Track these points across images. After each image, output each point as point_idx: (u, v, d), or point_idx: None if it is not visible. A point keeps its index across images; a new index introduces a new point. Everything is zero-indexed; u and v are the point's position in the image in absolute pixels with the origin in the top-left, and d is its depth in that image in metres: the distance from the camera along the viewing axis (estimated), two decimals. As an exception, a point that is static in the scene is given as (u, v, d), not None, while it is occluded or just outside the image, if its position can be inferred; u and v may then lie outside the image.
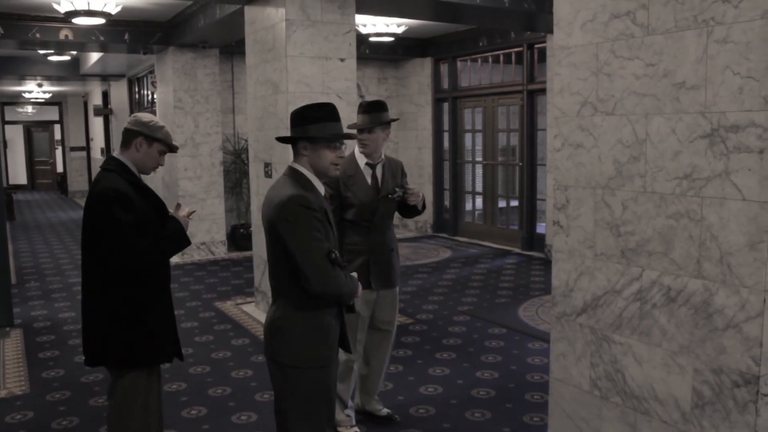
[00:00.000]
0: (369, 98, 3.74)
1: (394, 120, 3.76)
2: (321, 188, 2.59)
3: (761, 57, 2.07)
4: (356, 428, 3.71)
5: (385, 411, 3.91)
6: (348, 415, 3.70)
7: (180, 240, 2.89)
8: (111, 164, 2.86)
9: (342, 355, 3.64)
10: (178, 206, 3.01)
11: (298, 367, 2.53)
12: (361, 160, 3.64)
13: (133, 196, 2.77)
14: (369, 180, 3.63)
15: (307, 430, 2.58)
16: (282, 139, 2.66)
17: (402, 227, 11.06)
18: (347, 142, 2.72)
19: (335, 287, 2.47)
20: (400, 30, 8.14)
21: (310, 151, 2.55)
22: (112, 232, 2.70)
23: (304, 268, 2.42)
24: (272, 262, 2.57)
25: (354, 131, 3.52)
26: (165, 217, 2.93)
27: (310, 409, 2.57)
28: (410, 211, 3.73)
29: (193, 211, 3.06)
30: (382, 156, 3.71)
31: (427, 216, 10.92)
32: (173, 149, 2.94)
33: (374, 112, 3.57)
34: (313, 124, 2.53)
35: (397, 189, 3.61)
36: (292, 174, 2.57)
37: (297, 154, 2.59)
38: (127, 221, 2.70)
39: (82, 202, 14.87)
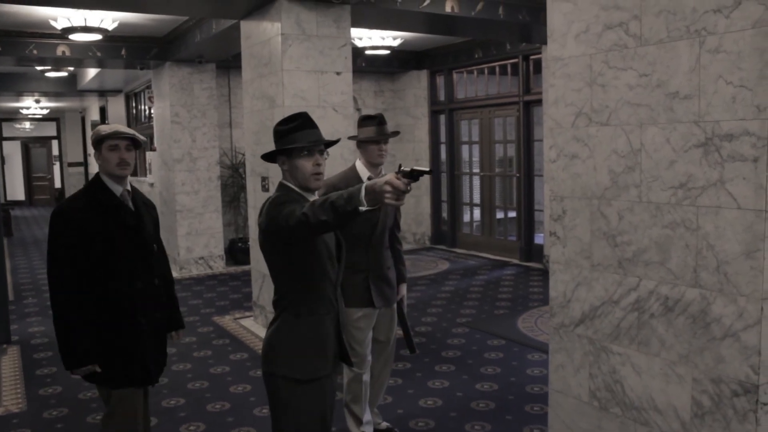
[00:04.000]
0: (367, 111, 3.72)
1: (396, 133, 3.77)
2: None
3: (753, 66, 2.08)
4: None
5: (384, 424, 3.89)
6: (363, 431, 3.66)
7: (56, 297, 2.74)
8: (90, 181, 2.91)
9: (349, 371, 3.63)
10: None
11: (292, 379, 2.44)
12: (364, 174, 3.57)
13: (86, 215, 2.75)
14: None
15: None
16: (265, 157, 2.58)
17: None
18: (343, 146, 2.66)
19: (319, 212, 2.13)
20: (395, 43, 8.18)
21: (288, 166, 2.45)
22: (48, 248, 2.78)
23: (285, 224, 2.24)
24: (271, 275, 2.51)
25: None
26: (139, 236, 2.89)
27: (304, 423, 2.47)
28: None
29: None
30: (381, 172, 3.65)
31: (425, 228, 10.92)
32: (111, 136, 2.81)
33: (386, 125, 3.58)
34: (285, 137, 2.44)
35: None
36: (281, 189, 2.48)
37: (282, 172, 2.51)
38: (56, 240, 2.73)
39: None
